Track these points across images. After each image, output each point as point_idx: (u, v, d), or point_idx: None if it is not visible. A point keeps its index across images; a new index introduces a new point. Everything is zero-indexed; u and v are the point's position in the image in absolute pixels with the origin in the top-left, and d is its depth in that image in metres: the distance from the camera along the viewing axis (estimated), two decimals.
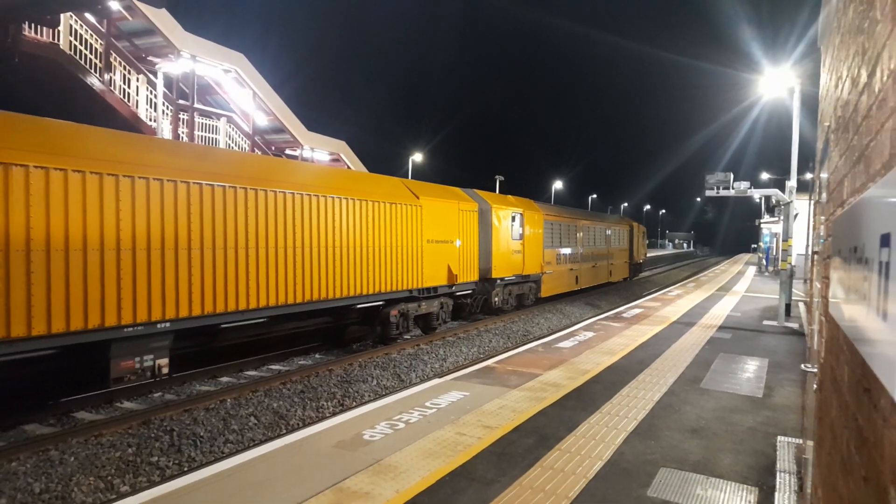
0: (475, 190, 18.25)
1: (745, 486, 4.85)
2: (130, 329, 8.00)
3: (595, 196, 79.81)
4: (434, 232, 14.69)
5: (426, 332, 15.43)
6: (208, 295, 9.00)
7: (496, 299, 18.18)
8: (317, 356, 12.71)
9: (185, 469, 6.85)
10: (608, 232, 30.37)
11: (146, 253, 8.13)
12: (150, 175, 8.21)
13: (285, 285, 10.33)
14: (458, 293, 16.50)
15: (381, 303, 13.12)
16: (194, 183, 8.82)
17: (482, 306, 18.29)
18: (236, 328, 10.09)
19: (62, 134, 7.70)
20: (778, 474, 5.07)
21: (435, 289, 14.92)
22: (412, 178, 34.05)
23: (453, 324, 17.17)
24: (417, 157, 39.99)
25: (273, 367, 11.54)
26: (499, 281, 18.14)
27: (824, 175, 3.56)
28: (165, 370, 8.62)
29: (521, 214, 19.30)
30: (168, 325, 8.48)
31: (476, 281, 17.00)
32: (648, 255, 54.50)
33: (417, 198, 14.23)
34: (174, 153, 9.30)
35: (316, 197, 11.06)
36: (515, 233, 18.81)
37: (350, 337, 13.83)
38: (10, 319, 6.70)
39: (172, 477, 6.40)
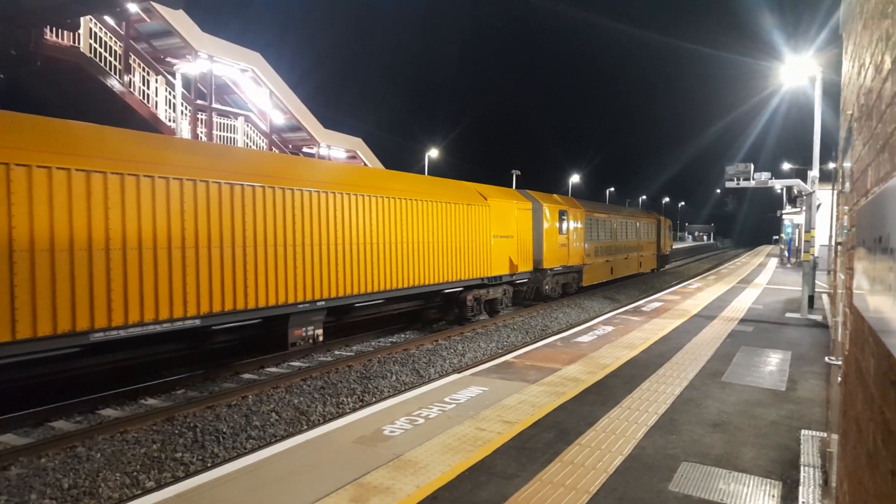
0: (527, 190, 20.35)
1: (769, 480, 4.79)
2: (301, 305, 10.47)
3: (612, 189, 78.96)
4: (499, 228, 16.99)
5: (491, 315, 17.50)
6: (348, 280, 11.51)
7: (546, 287, 20.34)
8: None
9: (209, 464, 6.95)
10: (638, 226, 32.36)
11: (310, 248, 10.66)
12: (312, 188, 10.76)
13: (397, 273, 12.92)
14: (517, 281, 18.64)
15: (460, 288, 15.51)
16: (336, 193, 11.36)
17: (534, 294, 20.24)
18: (362, 307, 12.47)
19: (241, 158, 10.47)
20: (802, 468, 5.01)
21: (500, 277, 17.23)
22: (428, 173, 34.13)
23: (510, 309, 19.10)
24: (433, 152, 39.93)
25: (293, 363, 11.66)
26: (549, 271, 20.33)
27: (847, 164, 3.49)
28: (321, 339, 11.17)
29: (566, 211, 21.45)
30: (323, 303, 10.95)
31: (531, 271, 19.26)
32: None
33: (486, 199, 16.50)
34: (325, 170, 12.22)
35: (418, 202, 13.69)
36: (562, 228, 21.06)
37: (427, 319, 16.15)
38: (236, 297, 9.22)
39: (196, 472, 6.51)
